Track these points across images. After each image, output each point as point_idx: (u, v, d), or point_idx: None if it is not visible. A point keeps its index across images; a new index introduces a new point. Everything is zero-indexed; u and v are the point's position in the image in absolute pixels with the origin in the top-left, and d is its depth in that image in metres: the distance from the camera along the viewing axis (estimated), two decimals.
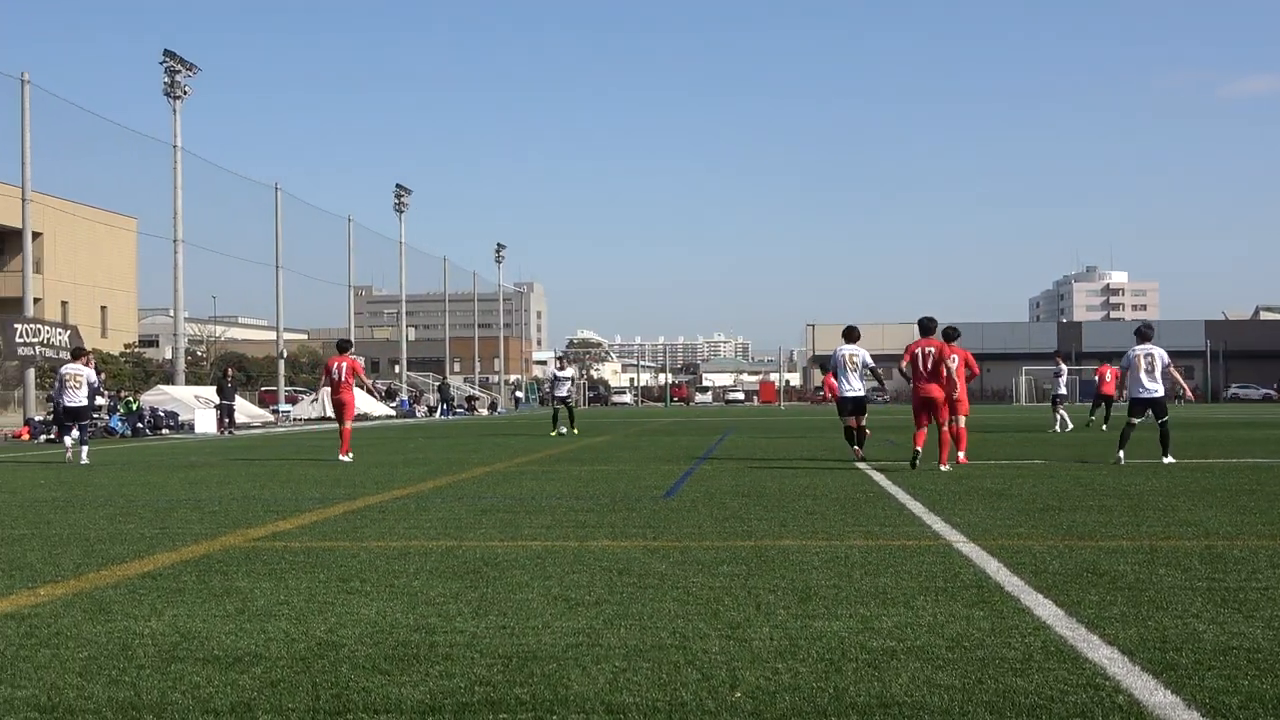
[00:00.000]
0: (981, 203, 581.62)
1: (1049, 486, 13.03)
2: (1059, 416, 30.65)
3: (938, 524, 9.53)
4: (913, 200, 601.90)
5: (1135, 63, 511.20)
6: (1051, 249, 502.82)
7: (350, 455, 19.95)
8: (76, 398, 21.85)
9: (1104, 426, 30.99)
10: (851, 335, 18.44)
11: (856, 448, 18.32)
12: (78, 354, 23.99)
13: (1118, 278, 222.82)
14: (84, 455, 21.15)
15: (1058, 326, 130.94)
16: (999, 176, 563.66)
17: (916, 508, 10.83)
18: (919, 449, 15.68)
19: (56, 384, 22.62)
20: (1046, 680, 4.52)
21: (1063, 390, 31.87)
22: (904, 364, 16.29)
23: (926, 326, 16.39)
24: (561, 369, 33.60)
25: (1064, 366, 32.39)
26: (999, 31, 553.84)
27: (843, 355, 18.27)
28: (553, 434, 31.07)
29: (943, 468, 15.57)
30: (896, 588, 6.54)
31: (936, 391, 15.91)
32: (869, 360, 18.19)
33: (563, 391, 32.27)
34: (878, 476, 14.69)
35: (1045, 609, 5.89)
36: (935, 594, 6.33)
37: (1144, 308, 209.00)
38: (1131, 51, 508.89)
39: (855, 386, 18.19)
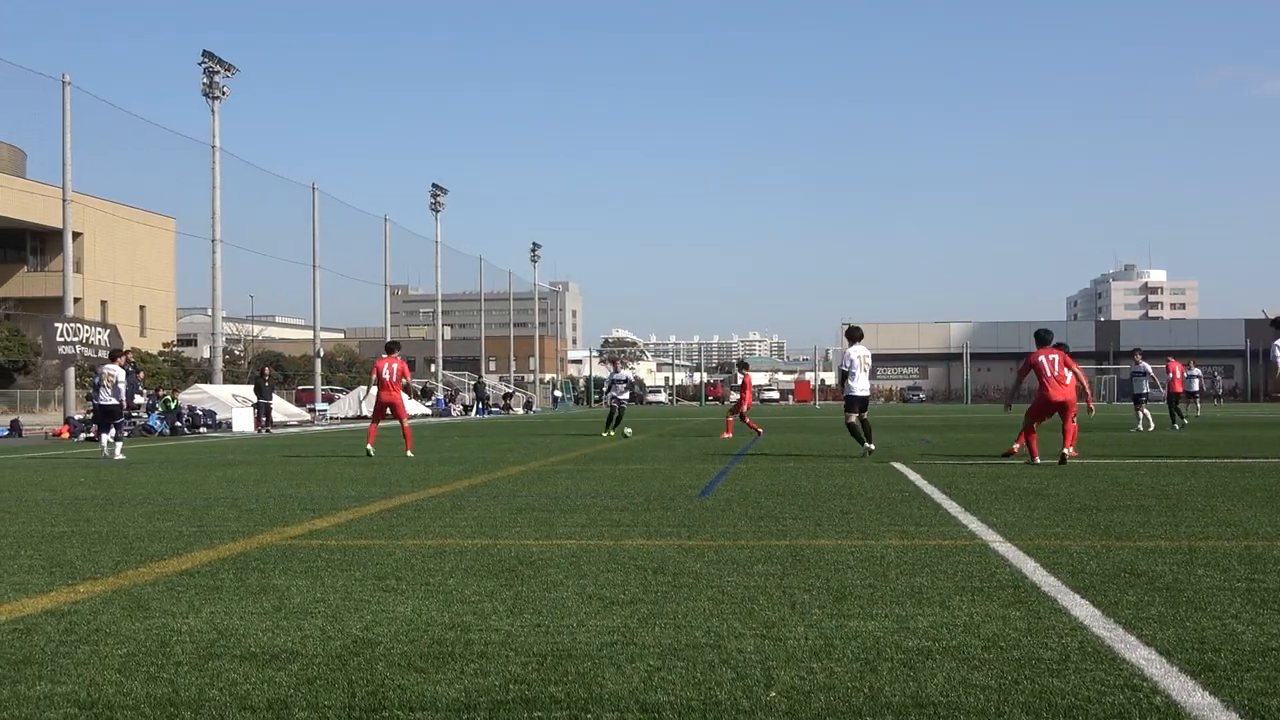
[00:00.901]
0: (1020, 201, 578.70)
1: (1086, 486, 12.94)
2: (1142, 415, 29.87)
3: (974, 524, 9.48)
4: (950, 199, 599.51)
5: (1174, 61, 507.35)
6: (1089, 247, 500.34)
7: (412, 452, 20.93)
8: (108, 397, 22.65)
9: (1183, 424, 30.56)
10: (858, 335, 19.31)
11: (869, 444, 18.94)
12: (114, 355, 24.63)
13: (1156, 276, 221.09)
14: (118, 451, 21.84)
15: (1095, 325, 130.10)
16: (1038, 175, 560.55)
17: (952, 507, 10.79)
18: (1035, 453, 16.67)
19: (93, 383, 23.31)
20: (1083, 681, 4.49)
21: (1146, 389, 30.91)
22: (1022, 371, 17.48)
23: (1044, 338, 17.37)
24: (616, 371, 33.77)
25: (1146, 365, 31.49)
26: (1039, 31, 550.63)
27: (857, 356, 18.99)
28: (605, 435, 30.02)
29: (1067, 450, 16.83)
30: (932, 587, 6.51)
31: (1069, 394, 16.96)
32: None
33: (617, 393, 31.99)
34: (913, 475, 14.63)
35: (1082, 609, 5.85)
36: (971, 594, 6.30)
37: (1183, 306, 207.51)
38: (1170, 50, 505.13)
39: (866, 385, 19.09)
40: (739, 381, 30.85)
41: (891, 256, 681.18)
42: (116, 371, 23.01)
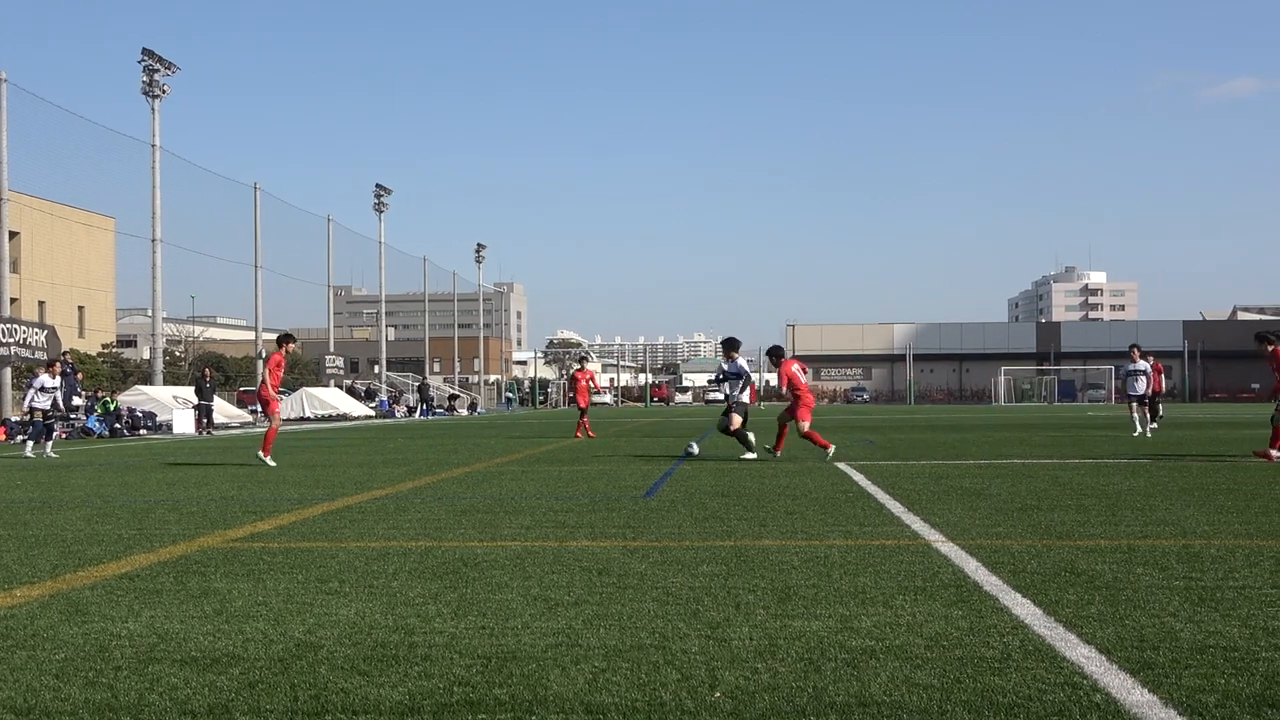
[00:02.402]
0: (961, 204, 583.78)
1: (1027, 486, 13.07)
2: (1141, 417, 27.82)
3: (916, 524, 9.55)
4: (893, 201, 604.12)
5: (1117, 65, 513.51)
6: (1030, 249, 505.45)
7: (267, 456, 18.95)
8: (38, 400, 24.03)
9: (1153, 427, 28.95)
10: (738, 345, 19.72)
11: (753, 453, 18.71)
12: (50, 363, 25.49)
13: (1096, 278, 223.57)
14: (28, 450, 23.25)
15: (1036, 326, 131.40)
16: (979, 178, 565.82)
17: (895, 507, 10.86)
18: None
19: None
20: (1025, 679, 4.54)
21: (1143, 389, 28.15)
22: None
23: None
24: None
25: (1144, 362, 28.64)
26: (979, 35, 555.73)
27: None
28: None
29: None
30: (875, 587, 6.55)
31: None
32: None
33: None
34: (857, 476, 14.71)
35: (1023, 608, 5.91)
36: (914, 593, 6.35)
37: (1122, 308, 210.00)
38: (1113, 54, 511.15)
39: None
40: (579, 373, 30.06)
41: (835, 259, 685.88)
42: (40, 376, 24.23)
